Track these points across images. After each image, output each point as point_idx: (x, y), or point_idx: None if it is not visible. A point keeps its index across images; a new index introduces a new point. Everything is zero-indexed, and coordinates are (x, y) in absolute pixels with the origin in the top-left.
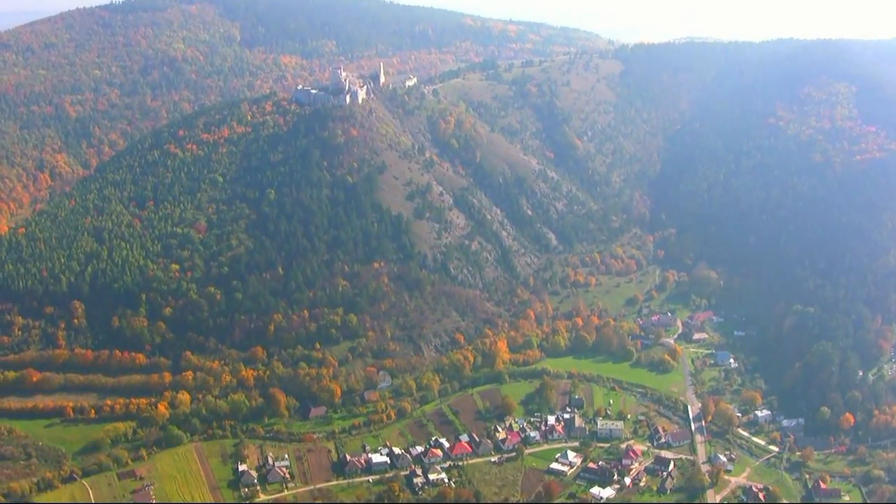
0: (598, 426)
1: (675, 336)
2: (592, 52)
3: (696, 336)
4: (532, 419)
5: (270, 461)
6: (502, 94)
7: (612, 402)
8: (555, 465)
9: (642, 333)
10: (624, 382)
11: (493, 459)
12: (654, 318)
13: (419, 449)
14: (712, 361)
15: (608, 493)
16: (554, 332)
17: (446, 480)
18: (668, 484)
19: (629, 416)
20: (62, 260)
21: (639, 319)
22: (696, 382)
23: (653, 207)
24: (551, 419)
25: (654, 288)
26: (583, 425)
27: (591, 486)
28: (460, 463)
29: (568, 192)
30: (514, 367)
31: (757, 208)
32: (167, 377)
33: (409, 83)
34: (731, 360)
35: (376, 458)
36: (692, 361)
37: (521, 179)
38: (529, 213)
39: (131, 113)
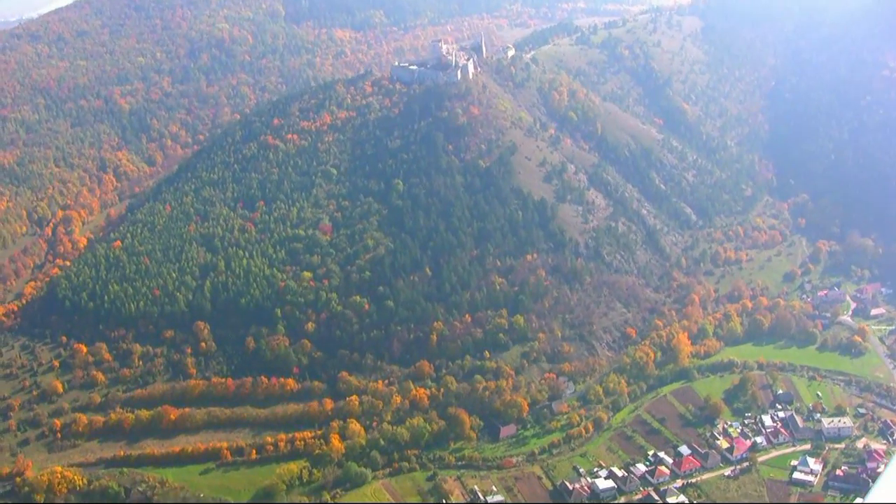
0: (825, 425)
1: (849, 312)
2: (670, 10)
3: (874, 312)
4: (746, 420)
5: (480, 496)
6: (595, 60)
7: (820, 394)
8: (798, 475)
9: (816, 312)
10: (821, 370)
11: (725, 473)
12: (822, 293)
13: (641, 468)
14: None
15: None
16: (726, 317)
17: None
18: None
19: (848, 410)
20: (174, 275)
21: (804, 297)
22: None
23: (777, 172)
24: (767, 419)
25: (807, 260)
26: (807, 424)
27: (851, 497)
28: (692, 480)
29: (694, 162)
30: (697, 360)
31: None
32: (328, 404)
33: (511, 53)
34: None
35: (601, 483)
36: (881, 340)
37: (648, 151)
38: (662, 187)
39: (188, 101)
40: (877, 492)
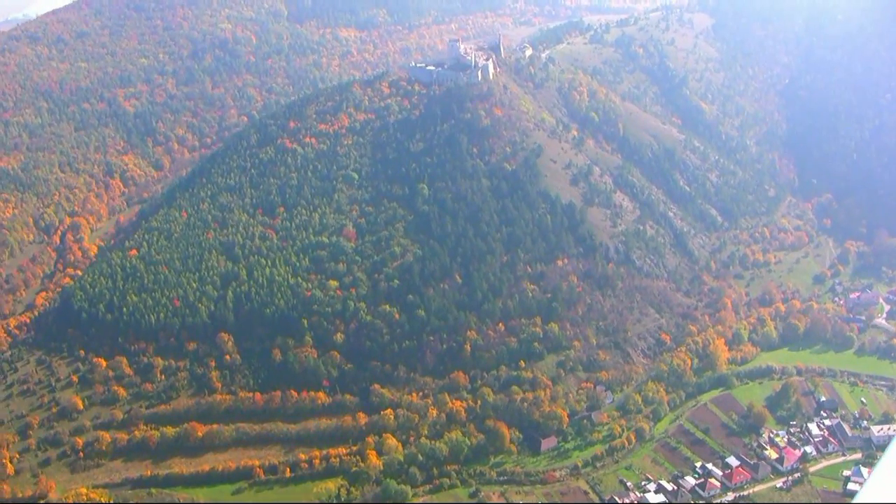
0: (875, 432)
1: (884, 315)
2: (680, 7)
3: None
4: (791, 429)
5: None
6: (610, 59)
7: (864, 400)
8: (853, 486)
9: (850, 315)
10: (862, 375)
11: (777, 484)
12: (854, 295)
13: (691, 481)
14: None
15: None
16: (761, 321)
17: None
18: None
19: (894, 416)
20: (194, 285)
21: (836, 299)
22: None
23: (798, 172)
24: (813, 428)
25: (836, 262)
26: (855, 432)
27: None
28: (744, 493)
29: (716, 162)
30: (734, 366)
31: None
32: (362, 418)
33: (528, 53)
34: None
35: (651, 497)
36: None
37: (670, 152)
38: (687, 188)
39: (193, 103)
40: (867, 491)
